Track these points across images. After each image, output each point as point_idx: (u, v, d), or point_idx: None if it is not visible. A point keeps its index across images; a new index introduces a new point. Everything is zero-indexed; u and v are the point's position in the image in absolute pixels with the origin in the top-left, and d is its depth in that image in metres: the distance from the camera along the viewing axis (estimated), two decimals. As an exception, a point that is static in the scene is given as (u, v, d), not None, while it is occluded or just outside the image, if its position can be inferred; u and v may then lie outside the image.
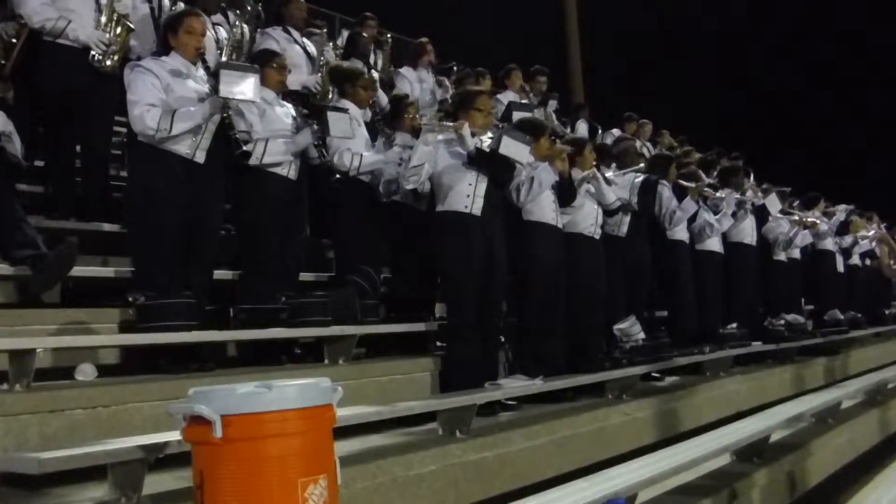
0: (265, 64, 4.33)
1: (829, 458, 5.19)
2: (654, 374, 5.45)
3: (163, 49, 3.93)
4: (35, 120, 4.40)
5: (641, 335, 5.10)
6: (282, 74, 4.45)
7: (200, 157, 3.79)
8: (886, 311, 10.13)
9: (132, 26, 4.45)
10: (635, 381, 4.92)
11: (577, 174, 5.09)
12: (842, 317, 8.07)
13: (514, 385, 4.16)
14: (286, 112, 4.42)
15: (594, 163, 5.30)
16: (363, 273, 4.51)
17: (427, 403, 3.70)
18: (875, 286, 9.71)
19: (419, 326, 4.59)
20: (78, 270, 3.51)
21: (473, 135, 4.30)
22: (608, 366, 4.82)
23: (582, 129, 8.56)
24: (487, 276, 4.27)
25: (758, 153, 10.79)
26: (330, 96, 5.42)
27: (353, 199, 4.66)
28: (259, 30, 5.62)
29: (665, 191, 6.04)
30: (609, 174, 5.50)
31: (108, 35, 4.34)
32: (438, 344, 4.64)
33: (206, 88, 3.86)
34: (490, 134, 4.40)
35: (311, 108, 5.13)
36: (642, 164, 5.98)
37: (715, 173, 7.47)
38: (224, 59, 4.79)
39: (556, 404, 4.37)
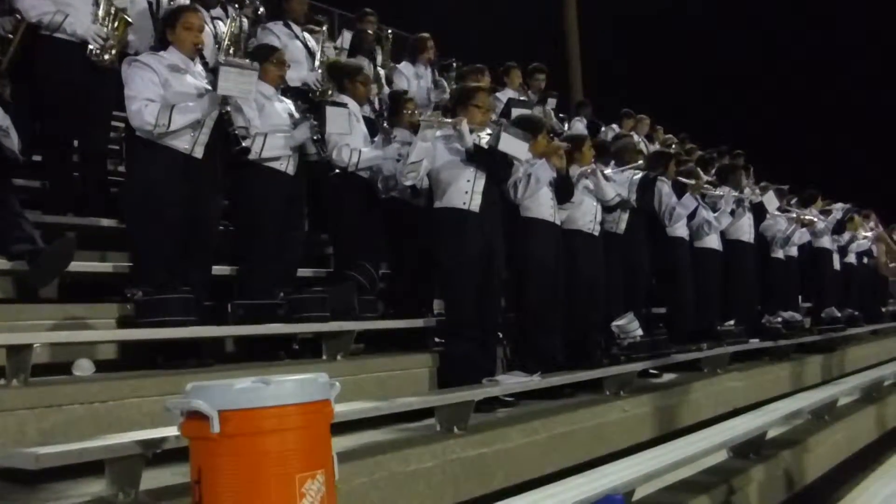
0: (264, 59, 4.32)
1: (825, 455, 5.21)
2: (651, 371, 5.45)
3: (160, 44, 3.92)
4: (33, 115, 4.39)
5: (639, 332, 5.10)
6: (281, 70, 4.45)
7: (199, 153, 3.78)
8: (883, 309, 10.17)
9: (130, 20, 4.43)
10: (633, 377, 4.93)
11: (575, 171, 5.09)
12: (839, 314, 8.09)
13: (512, 381, 4.16)
14: (285, 107, 4.41)
15: (593, 159, 5.30)
16: (362, 269, 4.51)
17: (425, 399, 3.70)
18: (872, 284, 9.74)
19: (417, 322, 4.59)
20: (75, 265, 3.50)
21: (472, 131, 4.29)
22: (606, 362, 4.82)
23: (579, 126, 8.54)
24: (486, 272, 4.27)
25: (757, 151, 10.80)
26: (330, 93, 5.41)
27: (352, 194, 4.65)
28: (260, 25, 5.60)
29: (664, 188, 6.05)
30: (608, 171, 5.50)
31: (105, 29, 4.32)
32: (437, 340, 4.64)
33: (204, 84, 3.85)
34: (488, 130, 4.40)
35: (310, 103, 5.12)
36: (641, 161, 5.98)
37: (713, 171, 7.48)
38: (222, 54, 4.77)
39: (553, 401, 4.37)
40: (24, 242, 3.30)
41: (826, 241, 8.51)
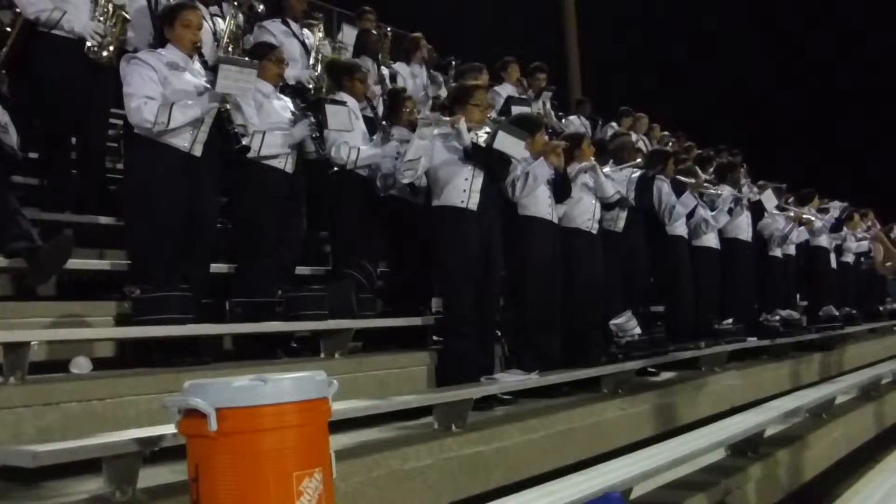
0: (263, 57, 4.32)
1: (823, 453, 5.21)
2: (650, 369, 5.46)
3: (159, 41, 3.91)
4: (31, 112, 4.38)
5: (637, 330, 5.10)
6: (279, 67, 4.44)
7: (198, 151, 3.77)
8: (881, 307, 10.18)
9: (128, 17, 4.42)
10: (631, 376, 4.94)
11: (574, 167, 5.09)
12: (836, 313, 8.10)
13: (511, 379, 4.16)
14: (284, 105, 4.41)
15: (592, 156, 5.30)
16: (360, 267, 4.50)
17: (423, 398, 3.70)
18: (870, 282, 9.75)
19: (416, 320, 4.59)
20: (73, 263, 3.50)
21: (469, 129, 4.29)
22: (604, 361, 4.82)
23: (576, 124, 8.54)
24: (484, 270, 4.27)
25: (756, 150, 10.80)
26: (324, 90, 5.41)
27: (351, 192, 4.65)
28: (257, 23, 5.59)
29: (664, 186, 6.05)
30: (606, 170, 5.50)
31: (103, 26, 4.31)
32: (435, 338, 4.64)
33: (202, 81, 3.85)
34: (486, 129, 4.40)
35: (308, 101, 5.11)
36: (639, 160, 5.98)
37: (712, 169, 7.48)
38: (221, 51, 4.77)
39: (552, 399, 4.38)
40: (22, 240, 3.29)
41: (823, 240, 8.52)
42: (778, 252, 7.57)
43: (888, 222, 10.57)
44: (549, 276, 4.70)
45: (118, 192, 4.51)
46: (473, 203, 4.26)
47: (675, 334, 5.82)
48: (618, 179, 5.55)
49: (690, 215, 6.26)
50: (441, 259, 4.32)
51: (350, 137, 4.59)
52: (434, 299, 4.85)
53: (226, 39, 4.94)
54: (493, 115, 5.28)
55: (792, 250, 7.89)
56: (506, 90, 7.37)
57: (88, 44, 4.27)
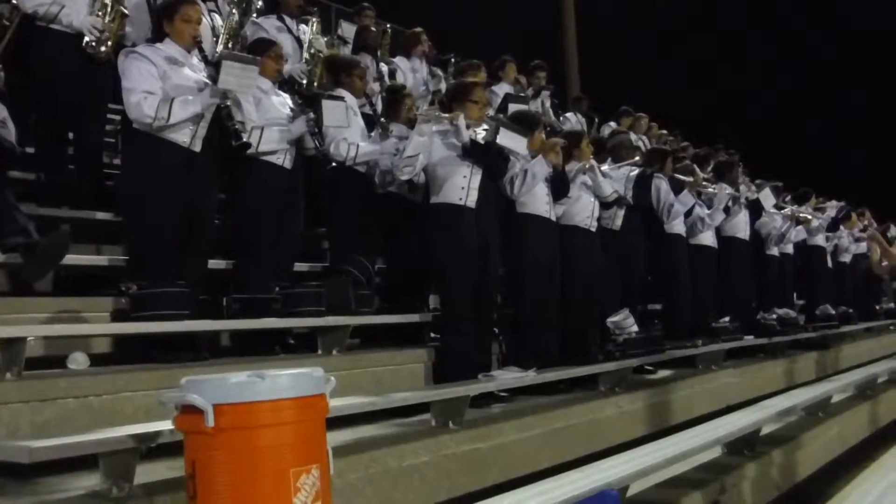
0: (262, 53, 4.31)
1: (819, 452, 5.23)
2: (646, 367, 5.47)
3: (157, 36, 3.89)
4: (28, 106, 4.36)
5: (635, 328, 5.11)
6: (278, 64, 4.45)
7: (197, 146, 3.76)
8: (877, 307, 10.20)
9: (126, 12, 4.41)
10: (628, 373, 4.94)
11: (572, 166, 5.09)
12: (833, 312, 8.11)
13: (508, 377, 4.17)
14: (282, 101, 4.40)
15: (591, 155, 5.30)
16: (358, 263, 4.50)
17: (421, 395, 3.70)
18: (866, 281, 9.76)
19: (413, 317, 4.58)
20: (70, 259, 3.48)
21: (468, 126, 4.29)
22: (601, 358, 4.83)
23: (573, 122, 8.54)
24: (482, 268, 4.27)
25: (755, 149, 10.81)
26: (316, 84, 5.40)
27: (349, 189, 4.65)
28: (251, 19, 5.58)
29: (662, 185, 6.06)
30: (605, 168, 5.50)
31: (101, 21, 4.29)
32: (432, 335, 4.64)
33: (202, 77, 3.83)
34: (485, 126, 4.40)
35: (305, 97, 5.10)
36: (638, 158, 5.99)
37: (710, 168, 7.49)
38: (222, 47, 4.76)
39: (549, 396, 4.38)
40: (19, 235, 3.28)
41: (820, 239, 8.53)
42: (775, 251, 7.58)
43: (885, 221, 10.60)
44: (547, 273, 4.71)
45: (116, 187, 4.50)
46: (472, 200, 4.26)
47: (673, 332, 5.83)
48: (616, 178, 5.55)
49: (688, 214, 6.27)
50: (439, 256, 4.32)
51: (349, 134, 4.58)
52: (431, 296, 4.86)
53: (226, 35, 4.93)
54: (491, 112, 5.27)
55: (789, 249, 7.90)
56: (503, 89, 7.37)
57: (87, 38, 4.26)
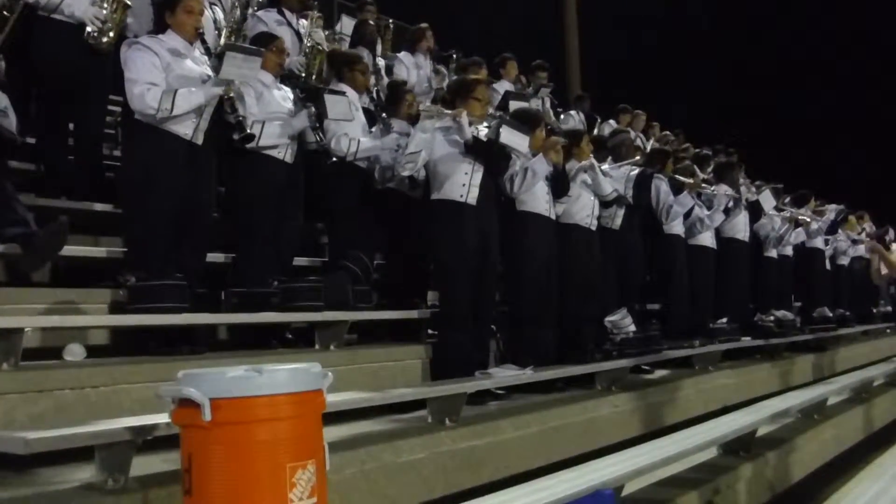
0: (264, 47, 4.29)
1: (814, 454, 5.24)
2: (643, 367, 5.47)
3: (159, 28, 3.88)
4: (28, 97, 4.35)
5: (632, 328, 5.12)
6: (280, 58, 4.44)
7: (199, 139, 3.75)
8: (874, 310, 10.21)
9: (129, 3, 4.39)
10: (625, 373, 4.95)
11: (573, 165, 5.09)
12: (830, 314, 8.12)
13: (505, 374, 4.17)
14: (284, 95, 4.39)
15: (591, 154, 5.30)
16: (356, 259, 4.50)
17: (418, 391, 3.70)
18: (863, 285, 9.77)
19: (411, 314, 4.59)
20: (69, 250, 3.48)
21: (470, 124, 4.28)
22: (598, 357, 4.84)
23: (572, 120, 8.53)
24: (481, 265, 4.27)
25: (754, 150, 10.81)
26: (314, 77, 5.39)
27: (349, 184, 4.64)
28: (251, 12, 5.57)
29: (662, 185, 6.06)
30: (605, 167, 5.50)
31: (104, 12, 4.27)
32: (430, 332, 4.64)
33: (205, 69, 3.82)
34: (486, 123, 4.39)
35: (307, 91, 5.10)
36: (638, 157, 5.98)
37: (710, 169, 7.49)
38: (224, 39, 4.74)
39: (545, 394, 4.39)
40: (18, 225, 3.27)
41: (819, 242, 8.54)
42: (773, 253, 7.59)
43: (883, 224, 10.61)
44: (545, 272, 4.71)
45: (117, 178, 4.49)
46: (472, 197, 4.26)
47: (670, 332, 5.84)
48: (616, 177, 5.55)
49: (687, 215, 6.27)
50: (438, 253, 4.32)
51: (350, 129, 4.57)
52: (430, 293, 4.85)
53: (228, 29, 4.91)
54: (491, 110, 5.27)
55: (788, 251, 7.91)
56: (503, 86, 7.36)
57: (88, 29, 4.23)
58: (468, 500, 2.94)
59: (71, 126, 4.50)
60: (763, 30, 19.58)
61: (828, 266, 8.83)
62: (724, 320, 6.43)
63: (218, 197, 4.24)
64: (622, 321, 5.09)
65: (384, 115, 5.18)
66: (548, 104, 8.07)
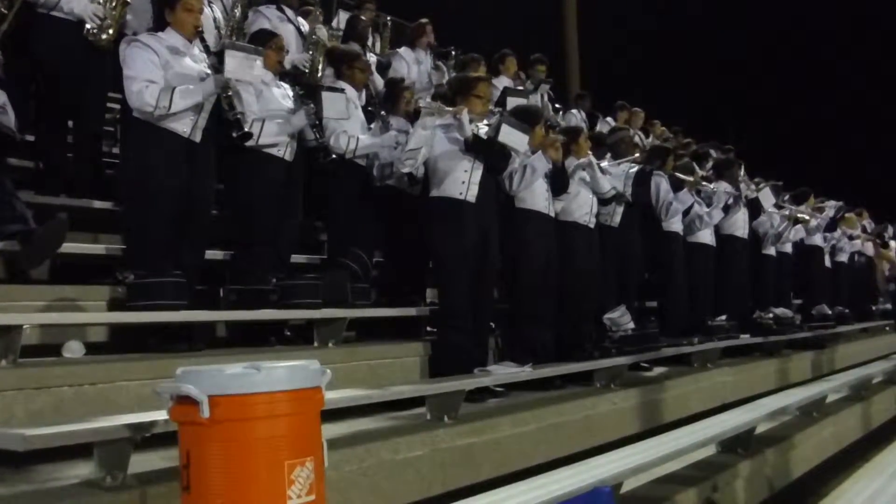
0: (263, 44, 4.29)
1: (812, 451, 5.24)
2: (642, 364, 5.47)
3: (159, 25, 3.88)
4: (27, 94, 4.34)
5: (631, 325, 5.12)
6: (279, 55, 4.44)
7: (197, 136, 3.75)
8: (873, 307, 10.22)
9: (128, 0, 4.39)
10: (623, 370, 4.95)
11: (571, 163, 5.09)
12: (829, 312, 8.13)
13: (503, 372, 4.17)
14: (283, 93, 4.39)
15: (589, 151, 5.30)
16: (355, 256, 4.50)
17: (417, 388, 3.70)
18: (862, 282, 9.79)
19: (410, 311, 4.59)
20: (67, 247, 3.47)
21: (471, 121, 4.28)
22: (597, 355, 4.84)
23: (574, 119, 8.52)
24: (480, 262, 4.27)
25: (755, 148, 10.81)
26: (319, 74, 5.38)
27: (348, 182, 4.64)
28: (252, 8, 5.56)
29: (662, 183, 6.06)
30: (604, 164, 5.50)
31: (103, 9, 4.27)
32: (429, 329, 4.64)
33: (204, 67, 3.82)
34: (486, 121, 4.39)
35: (306, 87, 5.09)
36: (637, 155, 5.98)
37: (709, 166, 7.49)
38: (225, 38, 4.74)
39: (544, 392, 4.39)
40: (16, 222, 3.27)
41: (818, 239, 8.54)
42: (772, 250, 7.59)
43: (882, 221, 10.62)
44: (544, 269, 4.71)
45: (116, 176, 4.49)
46: (472, 195, 4.26)
47: (669, 330, 5.84)
48: (615, 174, 5.55)
49: (687, 212, 6.27)
50: (437, 250, 4.32)
51: (349, 126, 4.57)
52: (428, 290, 4.86)
53: (229, 27, 4.91)
54: (490, 106, 5.26)
55: (787, 248, 7.91)
56: (502, 83, 7.34)
57: (88, 26, 4.23)
58: (466, 498, 2.94)
59: (70, 123, 4.50)
60: (763, 29, 19.57)
61: (827, 263, 8.83)
62: (723, 318, 6.44)
63: (216, 194, 4.24)
64: (621, 318, 5.09)
65: (382, 112, 5.18)
66: (546, 99, 8.06)
